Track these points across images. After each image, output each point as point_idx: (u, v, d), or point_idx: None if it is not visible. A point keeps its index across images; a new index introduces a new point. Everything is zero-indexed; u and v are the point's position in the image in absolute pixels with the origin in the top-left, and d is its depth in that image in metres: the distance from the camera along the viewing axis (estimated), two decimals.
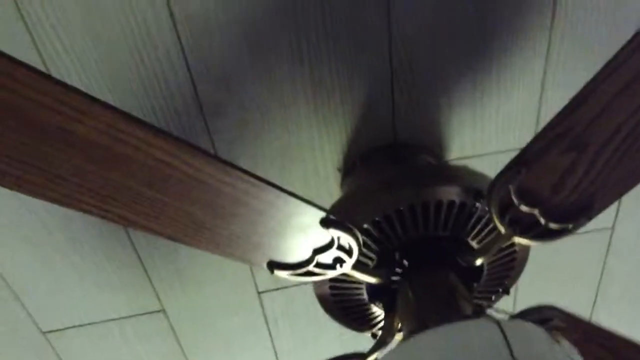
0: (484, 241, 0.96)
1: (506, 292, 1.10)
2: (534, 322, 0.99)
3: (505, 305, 1.13)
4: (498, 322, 0.73)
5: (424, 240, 0.97)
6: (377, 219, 0.94)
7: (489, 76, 1.17)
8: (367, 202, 0.98)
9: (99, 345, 1.48)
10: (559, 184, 0.84)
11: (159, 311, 1.43)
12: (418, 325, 0.90)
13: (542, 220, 0.88)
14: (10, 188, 0.63)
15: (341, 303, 1.04)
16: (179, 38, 1.02)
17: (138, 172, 0.65)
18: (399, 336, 1.01)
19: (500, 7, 1.08)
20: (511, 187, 0.85)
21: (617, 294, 1.64)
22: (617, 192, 0.88)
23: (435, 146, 1.26)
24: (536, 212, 0.87)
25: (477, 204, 0.93)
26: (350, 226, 0.83)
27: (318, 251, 0.84)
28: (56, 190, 0.64)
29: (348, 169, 1.25)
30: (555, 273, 1.54)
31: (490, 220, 0.91)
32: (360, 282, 0.99)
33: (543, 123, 1.20)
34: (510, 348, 0.69)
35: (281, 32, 1.05)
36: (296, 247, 0.83)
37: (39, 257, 1.28)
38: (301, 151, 1.21)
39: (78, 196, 0.66)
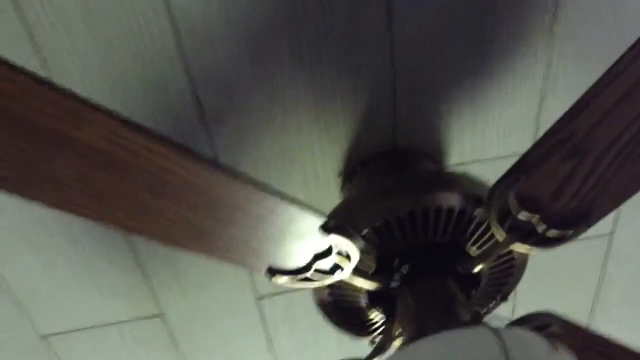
0: (484, 248, 0.96)
1: (505, 298, 1.10)
2: (533, 329, 0.99)
3: (505, 312, 1.13)
4: (496, 330, 0.73)
5: (423, 246, 0.97)
6: (377, 225, 0.94)
7: (490, 82, 1.17)
8: (367, 208, 0.98)
9: (99, 349, 1.48)
10: (558, 191, 0.84)
11: (158, 315, 1.43)
12: (417, 332, 0.90)
13: (542, 228, 0.88)
14: (11, 193, 0.63)
15: (340, 309, 1.05)
16: (180, 44, 1.03)
17: (138, 177, 0.65)
18: (398, 342, 1.01)
19: (502, 13, 1.08)
20: (511, 194, 0.85)
21: (616, 301, 1.64)
22: (617, 200, 0.88)
23: (436, 152, 1.26)
24: (536, 219, 0.87)
25: (477, 211, 0.93)
26: (350, 233, 0.83)
27: (317, 257, 0.84)
28: (56, 195, 0.64)
29: (349, 174, 1.25)
30: (554, 279, 1.54)
31: (489, 227, 0.91)
32: (359, 289, 0.99)
33: (543, 129, 1.20)
34: (508, 356, 0.69)
35: (283, 38, 1.05)
36: (296, 253, 0.83)
37: (40, 260, 1.28)
38: (302, 156, 1.21)
39: (78, 201, 0.66)
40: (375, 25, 1.06)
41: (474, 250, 0.98)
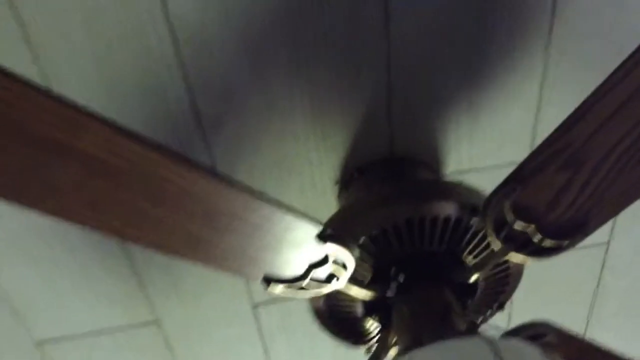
0: (479, 257, 0.96)
1: (501, 307, 1.10)
2: (528, 338, 0.99)
3: (500, 321, 1.13)
4: (491, 340, 0.73)
5: (419, 255, 0.97)
6: (373, 233, 0.94)
7: (486, 91, 1.18)
8: (363, 216, 0.98)
9: (94, 356, 1.47)
10: (554, 201, 0.85)
11: (154, 322, 1.43)
12: (412, 341, 0.90)
13: (538, 237, 0.88)
14: (7, 201, 0.63)
15: (336, 317, 1.04)
16: (178, 51, 1.03)
17: (135, 186, 0.65)
18: (393, 351, 1.00)
19: (499, 23, 1.09)
20: (507, 204, 0.85)
21: (612, 310, 1.64)
22: (612, 210, 0.88)
23: (432, 160, 1.27)
24: (531, 228, 0.87)
25: (473, 220, 0.93)
26: (346, 241, 0.83)
27: (313, 266, 0.84)
28: (53, 203, 0.64)
29: (345, 182, 1.25)
30: (550, 288, 1.54)
31: (485, 236, 0.91)
32: (355, 297, 0.98)
33: (540, 138, 1.21)
34: None
35: (280, 46, 1.05)
36: (291, 262, 0.83)
37: (36, 267, 1.27)
38: (299, 164, 1.21)
39: (75, 209, 0.66)
40: (373, 34, 1.06)
41: (469, 260, 0.98)
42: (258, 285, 0.86)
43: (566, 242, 0.89)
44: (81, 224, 0.68)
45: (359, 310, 1.03)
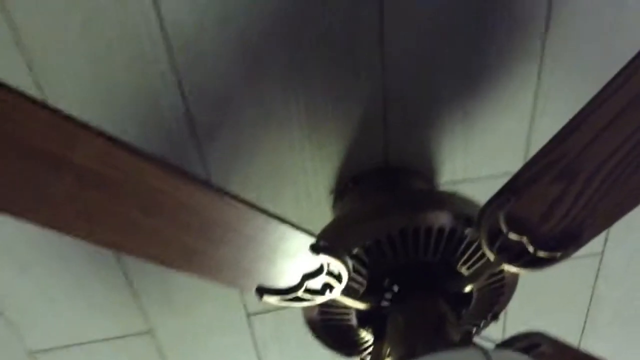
0: (474, 268, 0.96)
1: (496, 318, 1.10)
2: (522, 349, 0.99)
3: (495, 331, 1.13)
4: (485, 351, 0.73)
5: (413, 266, 0.97)
6: (367, 243, 0.94)
7: (481, 101, 1.18)
8: (357, 226, 0.98)
9: None
10: (548, 212, 0.85)
11: (147, 332, 1.42)
12: (407, 352, 0.90)
13: (531, 248, 0.88)
14: (1, 211, 0.63)
15: (330, 328, 1.04)
16: (172, 59, 1.03)
17: (129, 197, 0.65)
18: None
19: (492, 32, 1.09)
20: (500, 215, 0.85)
21: (606, 320, 1.64)
22: (606, 221, 0.88)
23: (427, 170, 1.27)
24: (525, 239, 0.87)
25: (467, 231, 0.93)
26: (341, 252, 0.83)
27: (307, 277, 0.84)
28: (47, 214, 0.64)
29: (340, 192, 1.25)
30: (545, 298, 1.54)
31: (479, 246, 0.91)
32: (349, 308, 0.98)
33: (534, 149, 1.21)
34: None
35: (276, 56, 1.05)
36: (286, 273, 0.83)
37: (28, 276, 1.27)
38: (293, 173, 1.21)
39: (69, 221, 0.66)
40: (368, 42, 1.07)
41: (464, 270, 0.98)
42: (252, 294, 0.86)
43: (560, 253, 0.89)
44: (75, 235, 0.67)
45: (353, 320, 1.03)
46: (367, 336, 1.05)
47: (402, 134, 1.20)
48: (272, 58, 1.06)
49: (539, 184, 0.82)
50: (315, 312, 1.01)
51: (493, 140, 1.24)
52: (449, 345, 0.89)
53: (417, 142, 1.22)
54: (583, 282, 1.54)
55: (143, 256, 0.73)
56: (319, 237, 0.81)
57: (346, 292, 0.90)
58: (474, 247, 0.94)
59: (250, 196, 1.11)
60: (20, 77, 1.00)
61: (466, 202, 1.00)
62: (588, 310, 1.60)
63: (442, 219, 0.94)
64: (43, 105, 0.56)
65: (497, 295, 1.05)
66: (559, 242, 0.88)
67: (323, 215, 1.27)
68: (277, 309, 1.41)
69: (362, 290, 0.95)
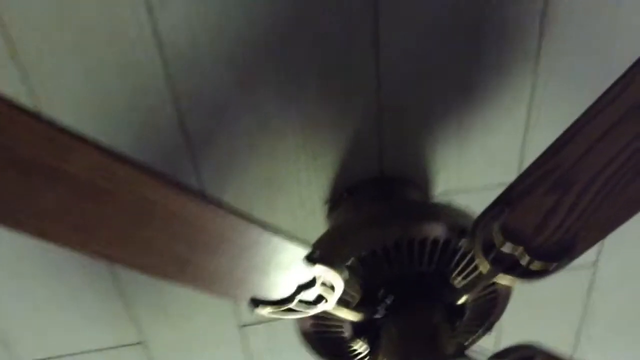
0: (468, 279, 0.96)
1: (489, 329, 1.09)
2: None
3: (489, 342, 1.13)
4: None
5: (408, 277, 0.97)
6: (362, 255, 0.93)
7: (475, 112, 1.18)
8: (352, 237, 0.97)
9: None
10: (542, 224, 0.85)
11: (139, 343, 1.41)
12: None
13: (525, 260, 0.88)
14: None
15: (323, 339, 1.04)
16: (168, 71, 1.03)
17: (123, 208, 0.65)
18: None
19: (488, 43, 1.10)
20: (495, 226, 0.85)
21: (600, 331, 1.64)
22: (600, 233, 0.89)
23: (422, 181, 1.27)
24: (519, 251, 0.87)
25: (462, 242, 0.93)
26: (335, 263, 0.83)
27: (301, 288, 0.84)
28: (40, 225, 0.64)
29: (334, 202, 1.25)
30: (538, 310, 1.54)
31: (474, 257, 0.91)
32: (343, 319, 0.98)
33: (528, 160, 1.21)
34: None
35: (271, 67, 1.05)
36: (279, 284, 0.83)
37: (18, 286, 1.26)
38: (288, 183, 1.21)
39: (62, 232, 0.66)
40: (363, 53, 1.07)
41: (458, 281, 0.98)
42: (244, 305, 0.86)
43: (554, 265, 0.89)
44: (68, 246, 0.67)
45: (347, 331, 1.02)
46: (361, 348, 1.04)
47: (397, 144, 1.20)
48: (266, 69, 1.06)
49: (533, 195, 0.82)
50: (309, 323, 1.01)
51: (487, 151, 1.24)
52: (443, 357, 0.89)
53: (412, 153, 1.22)
54: (577, 294, 1.54)
55: (136, 267, 0.72)
56: (314, 248, 0.80)
57: (340, 303, 0.90)
58: (468, 258, 0.94)
59: (244, 206, 1.11)
60: (14, 88, 1.00)
61: (460, 213, 1.01)
62: (581, 321, 1.60)
63: (437, 230, 0.94)
64: (37, 116, 0.56)
65: (491, 306, 1.05)
66: (553, 253, 0.88)
67: (317, 225, 1.27)
68: (270, 320, 1.40)
69: (355, 301, 0.95)
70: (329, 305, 0.88)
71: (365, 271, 0.95)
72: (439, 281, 0.98)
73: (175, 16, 0.98)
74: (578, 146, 0.76)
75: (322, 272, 0.82)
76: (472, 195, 1.29)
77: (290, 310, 0.86)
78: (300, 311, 0.87)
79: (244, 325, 1.43)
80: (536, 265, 0.89)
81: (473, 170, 1.26)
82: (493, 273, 0.90)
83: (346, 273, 0.85)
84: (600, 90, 0.71)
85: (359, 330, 1.02)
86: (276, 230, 0.75)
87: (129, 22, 0.97)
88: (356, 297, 0.94)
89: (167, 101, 1.06)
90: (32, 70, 1.00)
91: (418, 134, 1.19)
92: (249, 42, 1.03)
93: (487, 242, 0.88)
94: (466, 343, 1.09)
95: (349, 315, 0.95)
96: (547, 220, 0.84)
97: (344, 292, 0.87)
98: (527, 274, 0.90)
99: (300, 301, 0.85)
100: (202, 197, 0.69)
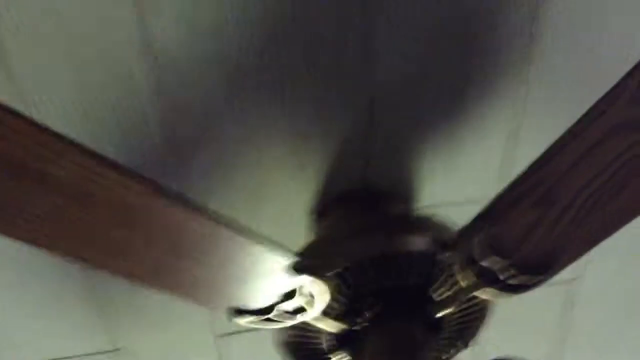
0: (449, 292, 0.96)
1: (469, 342, 1.09)
2: None
3: (470, 356, 1.13)
4: None
5: (390, 289, 0.96)
6: (344, 266, 0.93)
7: (462, 128, 1.19)
8: (335, 249, 0.97)
9: None
10: (524, 238, 0.85)
11: (115, 351, 1.39)
12: None
13: (507, 274, 0.88)
14: None
15: (303, 350, 1.03)
16: (156, 76, 1.02)
17: (105, 212, 0.64)
18: None
19: (477, 60, 1.10)
20: (477, 240, 0.85)
21: (581, 345, 1.65)
22: (581, 249, 0.89)
23: (407, 193, 1.27)
24: (501, 265, 0.87)
25: (444, 255, 0.93)
26: (317, 273, 0.82)
27: (283, 297, 0.83)
28: (25, 229, 0.63)
29: (320, 213, 1.24)
30: (519, 324, 1.55)
31: (456, 271, 0.91)
32: (323, 330, 0.97)
33: (512, 175, 1.22)
34: None
35: (261, 75, 1.05)
36: (260, 293, 0.82)
37: None
38: (274, 193, 1.21)
39: (46, 236, 0.65)
40: (353, 66, 1.07)
41: (439, 294, 0.97)
42: (222, 315, 0.85)
43: (535, 279, 0.89)
44: (47, 249, 0.66)
45: (327, 343, 1.01)
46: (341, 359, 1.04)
47: (384, 157, 1.20)
48: (254, 78, 1.05)
49: (516, 209, 0.82)
50: (287, 334, 1.00)
51: (472, 164, 1.25)
52: None
53: (398, 166, 1.22)
54: (558, 308, 1.54)
55: (116, 272, 0.72)
56: (297, 257, 0.80)
57: (321, 314, 0.89)
58: (449, 271, 0.94)
59: (228, 215, 1.10)
60: (1, 92, 0.99)
61: (444, 226, 1.00)
62: (563, 336, 1.61)
63: (420, 243, 0.94)
64: (26, 119, 0.56)
65: (472, 320, 1.05)
66: (534, 268, 0.88)
67: (302, 235, 1.26)
68: (248, 330, 1.39)
69: (336, 312, 0.94)
70: (310, 315, 0.87)
71: (348, 282, 0.94)
72: (421, 294, 0.98)
73: (165, 23, 0.97)
74: (562, 162, 0.76)
75: (305, 281, 0.81)
76: (456, 208, 1.29)
77: (269, 320, 0.85)
78: (280, 321, 0.86)
79: (221, 335, 1.41)
80: (517, 280, 0.89)
81: (457, 183, 1.27)
82: (474, 286, 0.90)
83: (328, 284, 0.85)
84: (585, 106, 0.72)
85: (338, 341, 1.01)
86: (259, 239, 0.74)
87: (118, 28, 0.97)
88: (337, 308, 0.93)
89: (154, 108, 1.05)
90: (20, 77, 0.98)
91: (404, 148, 1.20)
92: (238, 51, 1.02)
93: (469, 256, 0.88)
94: (446, 356, 1.08)
95: (329, 327, 0.94)
96: (530, 234, 0.84)
97: (325, 303, 0.87)
98: (508, 288, 0.90)
99: (281, 311, 0.84)
100: (186, 203, 0.68)
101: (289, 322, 0.87)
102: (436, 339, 1.02)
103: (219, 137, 1.11)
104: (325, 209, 1.23)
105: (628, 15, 1.09)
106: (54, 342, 1.36)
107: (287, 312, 0.85)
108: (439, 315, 0.99)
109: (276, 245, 0.77)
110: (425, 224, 1.03)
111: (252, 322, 0.85)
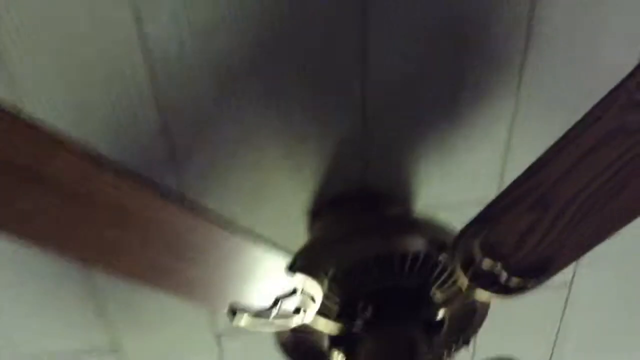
0: (446, 293, 0.97)
1: (466, 343, 1.10)
2: None
3: (465, 358, 1.13)
4: None
5: (387, 290, 0.97)
6: (342, 267, 0.93)
7: (458, 131, 1.19)
8: (333, 250, 0.98)
9: None
10: (521, 241, 0.86)
11: (113, 350, 1.40)
12: None
13: (504, 276, 0.89)
14: None
15: (302, 350, 1.03)
16: (152, 77, 1.02)
17: (103, 213, 0.64)
18: None
19: (472, 63, 1.11)
20: (475, 242, 0.86)
21: (574, 348, 1.65)
22: (577, 252, 0.89)
23: (404, 194, 1.27)
24: (498, 267, 0.88)
25: (441, 257, 0.94)
26: (315, 274, 0.83)
27: (281, 298, 0.84)
28: (19, 228, 0.63)
29: (316, 214, 1.25)
30: (514, 325, 1.55)
31: (453, 272, 0.92)
32: (321, 331, 0.98)
33: (509, 178, 1.22)
34: None
35: (257, 77, 1.05)
36: (259, 293, 0.82)
37: None
38: (271, 194, 1.21)
39: (39, 233, 0.65)
40: (349, 67, 1.07)
41: (437, 296, 0.98)
42: (222, 314, 0.85)
43: (531, 282, 0.90)
44: (46, 248, 0.66)
45: (326, 344, 1.02)
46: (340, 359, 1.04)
47: (381, 158, 1.20)
48: (251, 79, 1.06)
49: (512, 213, 0.83)
50: (287, 334, 1.00)
51: (469, 167, 1.25)
52: None
53: (395, 167, 1.23)
54: (552, 310, 1.55)
55: (114, 272, 0.72)
56: (295, 258, 0.80)
57: (319, 314, 0.89)
58: (447, 273, 0.95)
59: (225, 216, 1.10)
60: (2, 90, 0.99)
61: (441, 228, 1.01)
62: (556, 338, 1.62)
63: (417, 244, 0.94)
64: (21, 118, 0.56)
65: (468, 321, 1.06)
66: (530, 270, 0.89)
67: (299, 236, 1.27)
68: (247, 330, 1.40)
69: (334, 313, 0.95)
70: (308, 316, 0.87)
71: (345, 283, 0.95)
72: (418, 295, 0.98)
73: (162, 26, 0.98)
74: (558, 167, 0.77)
75: (303, 282, 0.82)
76: (454, 211, 1.29)
77: (269, 320, 0.86)
78: (279, 322, 0.87)
79: (221, 335, 1.42)
80: (514, 282, 0.89)
81: (455, 186, 1.27)
82: (472, 288, 0.91)
83: (326, 284, 0.85)
84: (581, 112, 0.72)
85: (337, 342, 1.01)
86: (257, 239, 0.75)
87: (115, 31, 0.97)
88: (335, 309, 0.94)
89: (151, 110, 1.06)
90: (20, 77, 0.99)
91: (401, 149, 1.20)
92: (235, 53, 1.03)
93: (466, 258, 0.88)
94: (443, 358, 1.09)
95: (327, 327, 0.95)
96: (526, 238, 0.85)
97: (323, 303, 0.87)
98: (505, 290, 0.91)
99: (280, 312, 0.85)
100: (184, 204, 0.69)
101: (289, 323, 0.88)
102: (433, 340, 1.02)
103: (216, 137, 1.11)
104: (323, 210, 1.23)
105: (627, 16, 1.09)
106: (53, 341, 1.36)
107: (286, 312, 0.86)
108: (437, 316, 0.99)
109: (273, 246, 0.77)
110: (422, 226, 1.04)
111: (251, 323, 0.85)
